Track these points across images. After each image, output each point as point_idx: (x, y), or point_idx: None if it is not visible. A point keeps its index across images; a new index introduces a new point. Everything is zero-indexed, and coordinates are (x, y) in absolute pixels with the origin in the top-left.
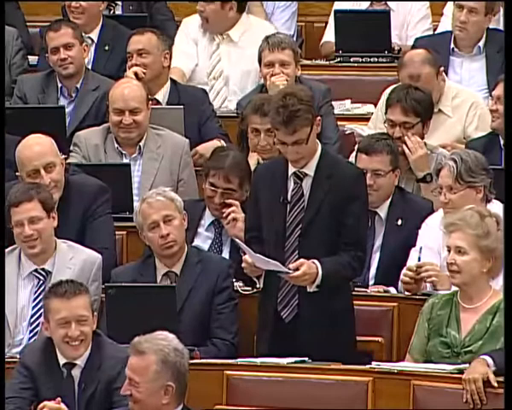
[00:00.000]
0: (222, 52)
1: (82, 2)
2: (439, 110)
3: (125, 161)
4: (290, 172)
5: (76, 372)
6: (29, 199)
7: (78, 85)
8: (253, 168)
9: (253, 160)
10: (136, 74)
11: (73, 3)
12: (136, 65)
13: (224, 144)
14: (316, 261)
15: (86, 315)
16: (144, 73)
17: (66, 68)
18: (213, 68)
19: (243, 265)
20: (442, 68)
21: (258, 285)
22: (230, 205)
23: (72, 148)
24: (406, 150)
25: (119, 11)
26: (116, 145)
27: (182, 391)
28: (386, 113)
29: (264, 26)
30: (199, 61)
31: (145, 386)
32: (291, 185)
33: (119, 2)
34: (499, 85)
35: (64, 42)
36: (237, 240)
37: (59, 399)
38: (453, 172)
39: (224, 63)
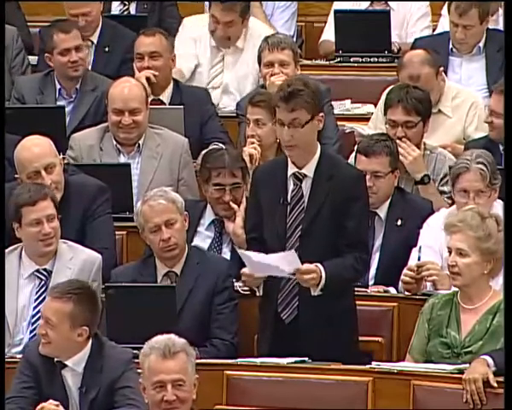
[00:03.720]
0: (226, 63)
1: (91, 10)
2: (439, 110)
3: (123, 158)
4: (289, 173)
5: (69, 373)
6: (44, 197)
7: (78, 86)
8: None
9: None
10: (148, 79)
11: (82, 14)
12: (148, 67)
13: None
14: (319, 265)
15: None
16: (155, 76)
17: (77, 70)
18: (213, 79)
19: (243, 278)
20: (442, 68)
21: (257, 293)
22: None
23: (68, 150)
24: (400, 156)
25: (133, 10)
26: (114, 143)
27: None
28: (385, 114)
29: (261, 27)
30: (199, 63)
31: (188, 383)
32: (291, 186)
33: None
34: (494, 98)
35: (76, 44)
36: (239, 250)
37: (58, 402)
38: (486, 176)
39: (225, 74)
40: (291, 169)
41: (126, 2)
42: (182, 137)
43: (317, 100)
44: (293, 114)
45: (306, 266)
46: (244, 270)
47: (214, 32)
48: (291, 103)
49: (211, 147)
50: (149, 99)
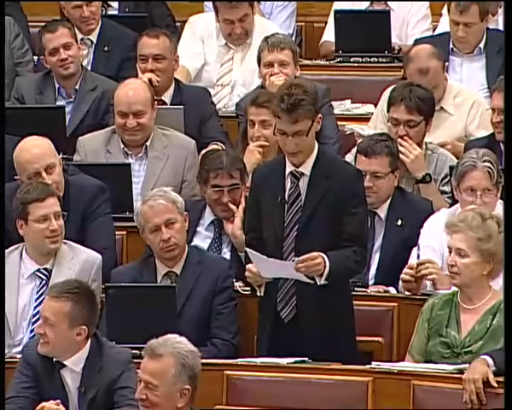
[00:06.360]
0: (235, 61)
1: (92, 8)
2: (441, 108)
3: (131, 160)
4: (287, 172)
5: (68, 373)
6: (52, 194)
7: (77, 86)
8: (251, 166)
9: (250, 158)
10: (150, 81)
11: (86, 13)
12: (151, 70)
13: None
14: (322, 254)
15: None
16: (158, 81)
17: (68, 68)
18: (222, 76)
19: (247, 274)
20: (447, 63)
21: (258, 293)
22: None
23: (75, 153)
24: (401, 155)
25: (114, 12)
26: (122, 146)
27: (194, 394)
28: (388, 111)
29: (267, 22)
30: (207, 62)
31: (163, 389)
32: (288, 185)
33: (115, 4)
34: (496, 96)
35: (63, 42)
36: (248, 250)
37: (58, 401)
38: (493, 174)
39: (234, 72)
40: (289, 168)
41: (104, 7)
42: (189, 139)
43: (317, 104)
44: (296, 126)
45: (308, 255)
46: (250, 266)
47: (231, 33)
48: (294, 115)
49: (209, 148)
50: None
